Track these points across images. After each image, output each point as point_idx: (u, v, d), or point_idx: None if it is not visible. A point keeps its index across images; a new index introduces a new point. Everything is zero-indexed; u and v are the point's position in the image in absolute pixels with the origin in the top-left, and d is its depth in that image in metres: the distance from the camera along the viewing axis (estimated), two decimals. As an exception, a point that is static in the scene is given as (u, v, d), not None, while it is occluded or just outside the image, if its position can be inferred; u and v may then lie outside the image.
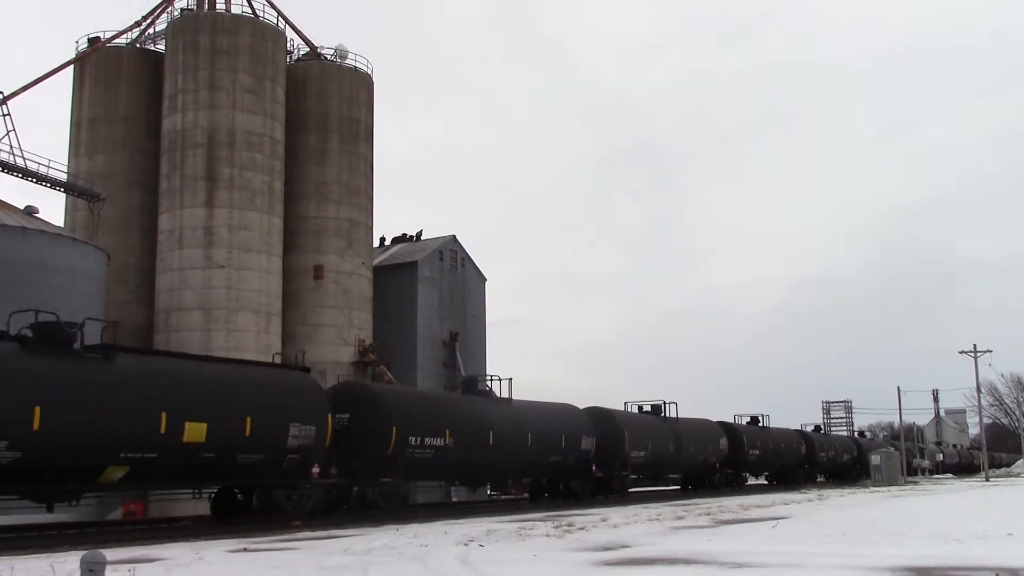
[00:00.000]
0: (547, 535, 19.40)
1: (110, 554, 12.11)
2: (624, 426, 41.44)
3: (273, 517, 24.94)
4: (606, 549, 16.21)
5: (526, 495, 43.52)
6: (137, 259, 46.43)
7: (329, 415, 26.99)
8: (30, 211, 39.12)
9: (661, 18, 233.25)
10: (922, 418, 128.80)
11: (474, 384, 36.95)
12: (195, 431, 22.62)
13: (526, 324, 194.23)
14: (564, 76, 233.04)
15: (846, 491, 48.81)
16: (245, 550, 16.92)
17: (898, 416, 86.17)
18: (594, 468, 39.08)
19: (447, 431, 31.00)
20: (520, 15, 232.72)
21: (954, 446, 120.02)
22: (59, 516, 25.84)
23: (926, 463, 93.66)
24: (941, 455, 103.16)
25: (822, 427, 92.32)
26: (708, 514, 26.67)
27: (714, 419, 52.98)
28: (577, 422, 39.05)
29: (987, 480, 69.73)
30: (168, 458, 22.37)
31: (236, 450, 24.11)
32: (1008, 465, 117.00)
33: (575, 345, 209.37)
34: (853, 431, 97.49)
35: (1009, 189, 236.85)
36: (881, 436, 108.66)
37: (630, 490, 43.50)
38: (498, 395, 36.21)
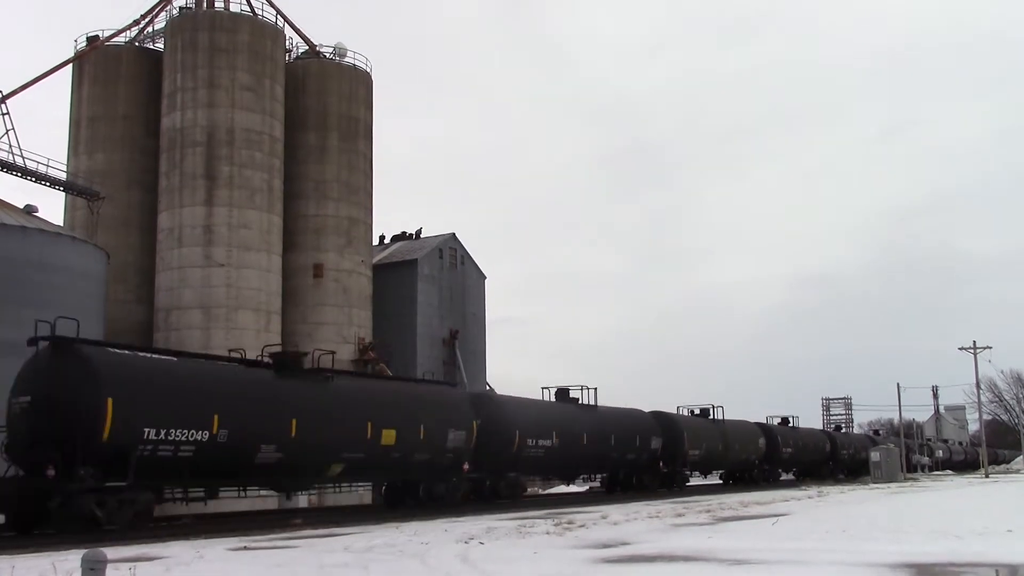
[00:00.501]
0: (547, 533, 19.42)
1: (111, 552, 12.10)
2: (684, 428, 47.13)
3: (437, 504, 30.83)
4: (606, 546, 16.22)
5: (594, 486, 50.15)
6: (137, 258, 46.40)
7: (474, 422, 33.16)
8: (29, 210, 39.08)
9: (661, 18, 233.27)
10: (922, 415, 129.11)
11: (567, 393, 41.20)
12: (389, 436, 29.02)
13: (526, 323, 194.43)
14: (564, 75, 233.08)
15: (846, 488, 48.85)
16: (246, 548, 16.93)
17: (898, 413, 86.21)
18: (661, 464, 44.98)
19: (554, 433, 37.10)
20: (520, 14, 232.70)
21: (953, 443, 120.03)
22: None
23: (926, 460, 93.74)
24: (940, 451, 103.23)
25: (842, 427, 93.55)
26: (708, 511, 26.70)
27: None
28: (646, 424, 44.83)
29: (987, 477, 69.82)
30: (371, 457, 28.67)
31: (414, 451, 30.29)
32: (1008, 462, 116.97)
33: (575, 344, 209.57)
34: (852, 427, 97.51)
35: (1008, 187, 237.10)
36: (870, 430, 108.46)
37: (687, 484, 49.09)
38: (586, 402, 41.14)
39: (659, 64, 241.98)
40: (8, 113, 43.40)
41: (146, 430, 22.07)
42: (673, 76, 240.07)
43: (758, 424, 58.84)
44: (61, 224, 45.63)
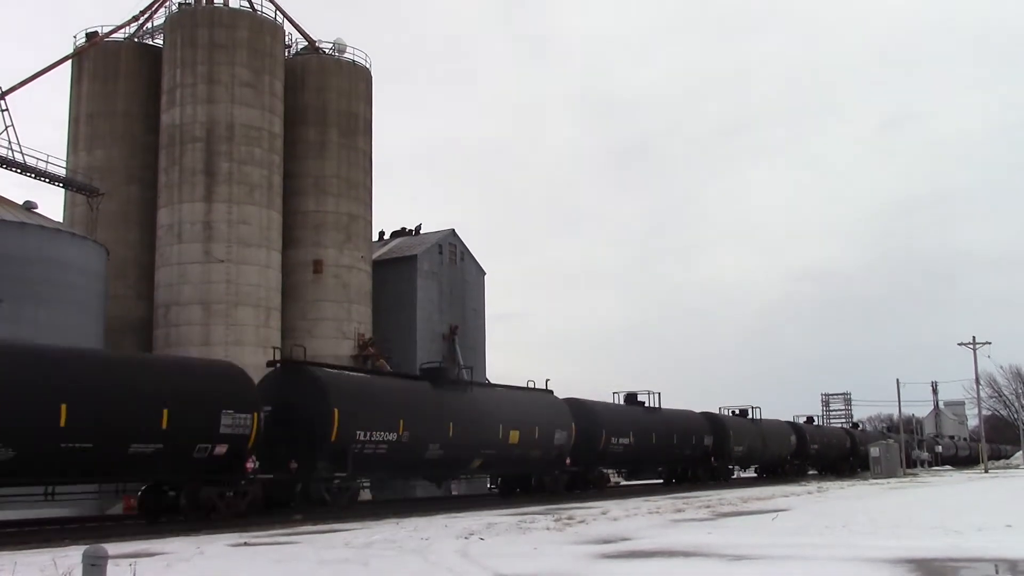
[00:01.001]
0: (547, 528, 19.44)
1: (111, 548, 12.12)
2: (730, 427, 51.10)
3: (544, 491, 35.38)
4: (606, 542, 16.24)
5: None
6: (136, 254, 46.42)
7: (573, 424, 37.07)
8: (29, 206, 39.11)
9: (660, 13, 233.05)
10: (921, 410, 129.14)
11: (635, 397, 44.95)
12: (514, 436, 33.50)
13: (526, 318, 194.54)
14: (563, 71, 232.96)
15: (845, 483, 48.95)
16: (246, 544, 16.96)
17: (897, 408, 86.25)
18: (712, 460, 49.15)
19: (631, 433, 41.32)
20: (519, 10, 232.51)
21: (952, 438, 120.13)
22: (60, 511, 25.93)
23: (925, 455, 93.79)
24: (940, 447, 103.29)
25: (859, 424, 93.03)
26: (708, 507, 26.72)
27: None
28: (700, 424, 48.84)
29: (986, 472, 69.87)
30: (501, 454, 33.05)
31: (531, 448, 34.39)
32: (1007, 457, 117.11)
33: (574, 339, 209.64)
34: (852, 423, 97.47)
35: (1008, 182, 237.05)
36: (879, 428, 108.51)
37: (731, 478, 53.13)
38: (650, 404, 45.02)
39: (658, 59, 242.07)
40: (7, 109, 43.51)
41: (358, 432, 26.85)
42: (672, 71, 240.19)
43: (789, 423, 63.01)
44: (61, 220, 45.65)
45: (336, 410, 26.34)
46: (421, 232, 61.06)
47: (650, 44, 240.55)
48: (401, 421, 28.46)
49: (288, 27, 51.02)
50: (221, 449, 23.76)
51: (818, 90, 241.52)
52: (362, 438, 27.18)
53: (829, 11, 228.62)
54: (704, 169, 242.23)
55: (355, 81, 52.16)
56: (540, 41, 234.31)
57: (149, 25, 50.34)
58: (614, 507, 26.80)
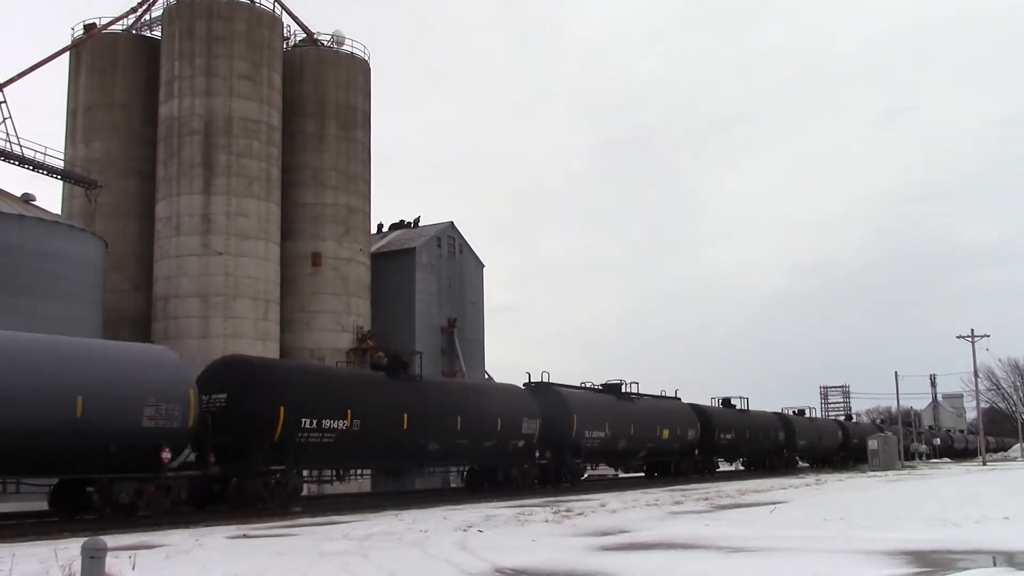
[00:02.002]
0: (546, 521, 19.48)
1: (111, 540, 12.14)
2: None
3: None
4: (604, 534, 16.28)
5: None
6: (135, 246, 46.38)
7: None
8: (27, 199, 39.05)
9: (660, 5, 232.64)
10: (920, 403, 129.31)
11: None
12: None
13: (525, 310, 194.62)
14: (562, 63, 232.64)
15: (843, 475, 49.05)
16: (245, 536, 16.98)
17: (896, 401, 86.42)
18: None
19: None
20: (519, 4, 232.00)
21: (950, 430, 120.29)
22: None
23: (923, 447, 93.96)
24: (938, 439, 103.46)
25: (852, 416, 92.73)
26: (706, 499, 26.78)
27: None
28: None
29: (984, 464, 70.00)
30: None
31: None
32: (1005, 449, 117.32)
33: (573, 331, 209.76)
34: (851, 416, 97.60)
35: (1008, 175, 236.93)
36: (871, 420, 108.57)
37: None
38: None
39: (658, 52, 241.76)
40: (5, 101, 43.43)
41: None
42: (672, 64, 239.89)
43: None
44: (59, 213, 45.58)
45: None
46: (420, 225, 61.01)
47: (649, 37, 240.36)
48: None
49: (286, 19, 50.97)
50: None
51: (817, 83, 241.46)
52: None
53: (828, 5, 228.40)
54: (703, 162, 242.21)
55: (353, 73, 52.07)
56: (539, 34, 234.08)
57: (147, 17, 50.23)
58: (612, 499, 26.86)
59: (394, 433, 28.96)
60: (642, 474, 50.03)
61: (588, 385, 43.25)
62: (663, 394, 49.55)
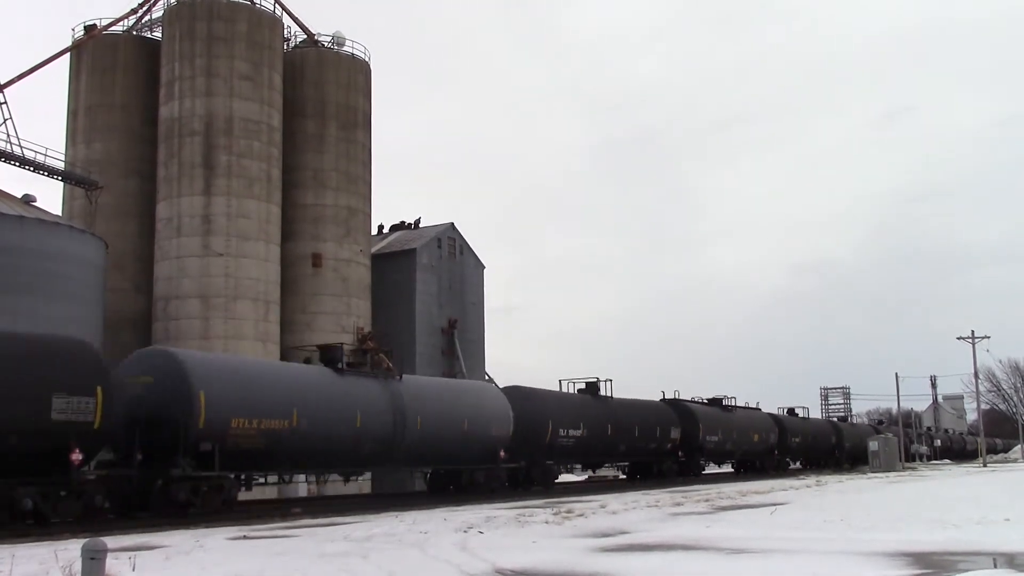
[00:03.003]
0: (546, 522, 19.47)
1: (111, 542, 12.15)
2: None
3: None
4: (605, 535, 16.27)
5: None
6: (135, 247, 46.36)
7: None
8: (28, 199, 39.05)
9: (660, 5, 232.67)
10: (920, 404, 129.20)
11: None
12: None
13: (525, 311, 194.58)
14: (562, 64, 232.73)
15: (844, 477, 49.01)
16: (245, 537, 16.98)
17: (896, 402, 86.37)
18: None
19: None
20: (519, 4, 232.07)
21: (949, 431, 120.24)
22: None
23: (924, 449, 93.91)
24: (939, 441, 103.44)
25: (847, 417, 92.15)
26: (707, 500, 26.76)
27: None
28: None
29: (984, 466, 69.96)
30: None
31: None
32: (1005, 451, 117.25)
33: (573, 332, 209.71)
34: (846, 417, 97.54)
35: (1008, 175, 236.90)
36: (870, 421, 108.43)
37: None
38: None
39: (658, 52, 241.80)
40: (6, 102, 43.39)
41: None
42: (672, 64, 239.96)
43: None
44: (59, 213, 45.57)
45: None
46: (420, 226, 61.00)
47: (649, 37, 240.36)
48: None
49: (287, 20, 50.95)
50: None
51: (817, 83, 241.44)
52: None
53: (828, 5, 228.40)
54: (703, 162, 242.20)
55: (354, 74, 52.06)
56: (539, 35, 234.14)
57: (148, 18, 50.17)
58: (612, 500, 26.87)
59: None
60: (623, 476, 48.90)
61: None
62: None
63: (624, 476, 50.65)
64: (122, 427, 22.10)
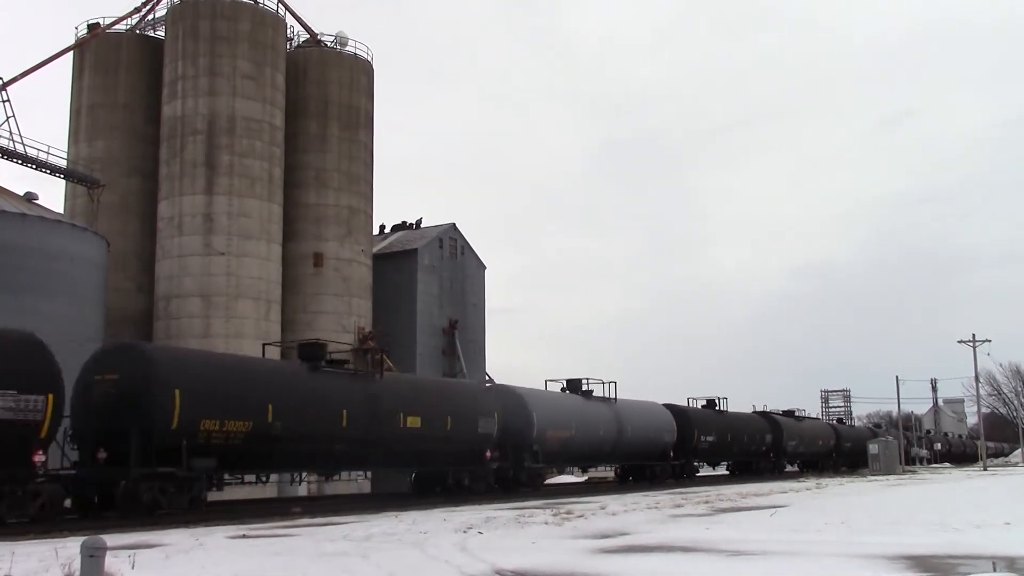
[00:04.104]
0: (546, 523, 19.46)
1: (111, 539, 12.12)
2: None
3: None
4: (604, 537, 16.25)
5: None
6: (137, 246, 46.37)
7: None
8: (30, 197, 39.05)
9: (662, 10, 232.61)
10: (921, 407, 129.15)
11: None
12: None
13: (526, 312, 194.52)
14: (565, 66, 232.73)
15: (844, 480, 48.93)
16: (244, 536, 16.97)
17: (897, 405, 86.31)
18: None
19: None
20: (522, 5, 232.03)
21: (948, 435, 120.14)
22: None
23: (924, 452, 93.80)
24: (939, 444, 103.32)
25: (844, 420, 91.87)
26: (706, 502, 26.75)
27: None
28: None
29: (985, 470, 69.88)
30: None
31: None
32: (1006, 455, 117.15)
33: (574, 333, 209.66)
34: (843, 420, 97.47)
35: (1008, 179, 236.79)
36: (869, 423, 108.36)
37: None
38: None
39: (660, 56, 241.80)
40: (9, 100, 43.37)
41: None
42: (673, 66, 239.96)
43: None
44: (61, 212, 45.61)
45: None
46: (422, 226, 61.02)
47: (651, 41, 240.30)
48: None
49: (290, 20, 50.98)
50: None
51: (818, 87, 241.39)
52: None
53: (829, 9, 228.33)
54: (704, 164, 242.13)
55: (356, 74, 52.07)
56: (542, 37, 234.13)
57: (151, 17, 50.20)
58: (612, 502, 26.86)
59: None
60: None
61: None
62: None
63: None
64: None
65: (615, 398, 42.99)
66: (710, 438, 49.18)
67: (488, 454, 33.29)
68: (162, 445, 22.30)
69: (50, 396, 20.09)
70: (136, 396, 22.21)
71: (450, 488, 32.07)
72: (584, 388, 42.00)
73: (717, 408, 52.95)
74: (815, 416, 69.91)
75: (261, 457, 25.29)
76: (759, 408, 61.51)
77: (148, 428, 22.04)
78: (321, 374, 27.75)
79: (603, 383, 42.79)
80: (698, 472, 51.33)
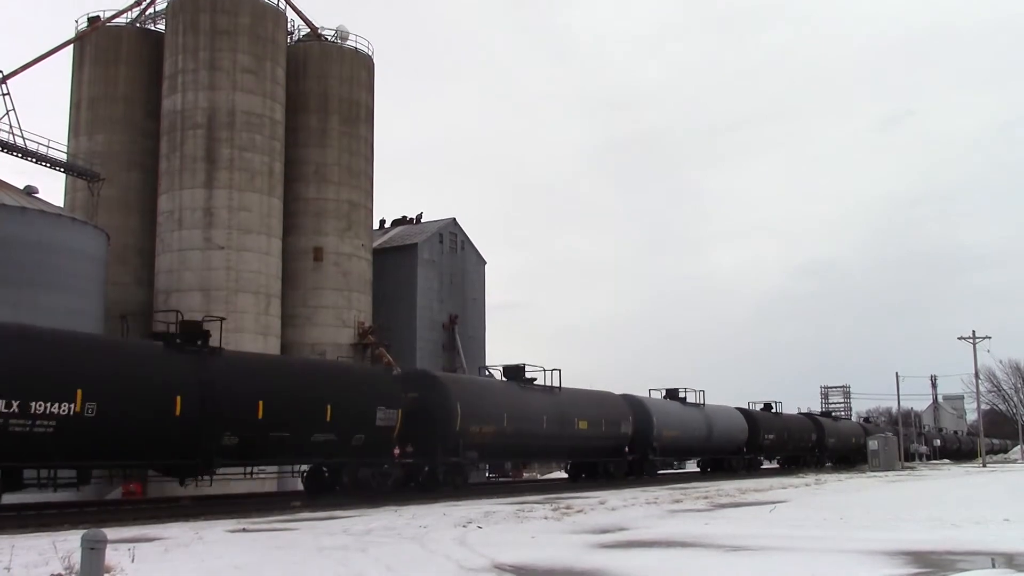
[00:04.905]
0: (545, 517, 19.49)
1: (110, 533, 12.12)
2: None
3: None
4: (604, 532, 16.27)
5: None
6: (137, 239, 46.35)
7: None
8: (30, 191, 39.05)
9: (664, 9, 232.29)
10: (920, 404, 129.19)
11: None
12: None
13: (526, 308, 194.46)
14: (567, 64, 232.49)
15: (843, 476, 48.97)
16: (244, 530, 16.98)
17: (896, 401, 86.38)
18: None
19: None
20: (524, 5, 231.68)
21: (942, 430, 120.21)
22: (61, 496, 25.95)
23: (924, 449, 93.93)
24: (938, 440, 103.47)
25: (831, 413, 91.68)
26: (706, 498, 26.80)
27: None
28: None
29: (984, 466, 69.98)
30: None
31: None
32: (1005, 451, 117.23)
33: (574, 329, 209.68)
34: (850, 415, 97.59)
35: (1008, 178, 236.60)
36: (860, 417, 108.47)
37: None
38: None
39: (662, 55, 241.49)
40: (9, 94, 43.34)
41: None
42: (675, 67, 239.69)
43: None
44: (61, 205, 45.57)
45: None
46: (422, 221, 61.03)
47: (653, 40, 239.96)
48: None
49: (290, 14, 50.83)
50: None
51: (820, 86, 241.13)
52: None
53: (830, 9, 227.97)
54: (705, 163, 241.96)
55: (357, 68, 52.00)
56: (544, 33, 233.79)
57: (151, 10, 50.15)
58: (612, 497, 26.89)
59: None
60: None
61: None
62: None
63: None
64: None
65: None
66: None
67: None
68: (451, 439, 29.30)
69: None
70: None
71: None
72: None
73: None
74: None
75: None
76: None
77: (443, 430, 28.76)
78: (526, 390, 35.40)
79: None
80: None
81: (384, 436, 28.86)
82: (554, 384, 37.93)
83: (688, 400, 49.52)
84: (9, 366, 19.53)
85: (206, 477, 24.67)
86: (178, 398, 22.86)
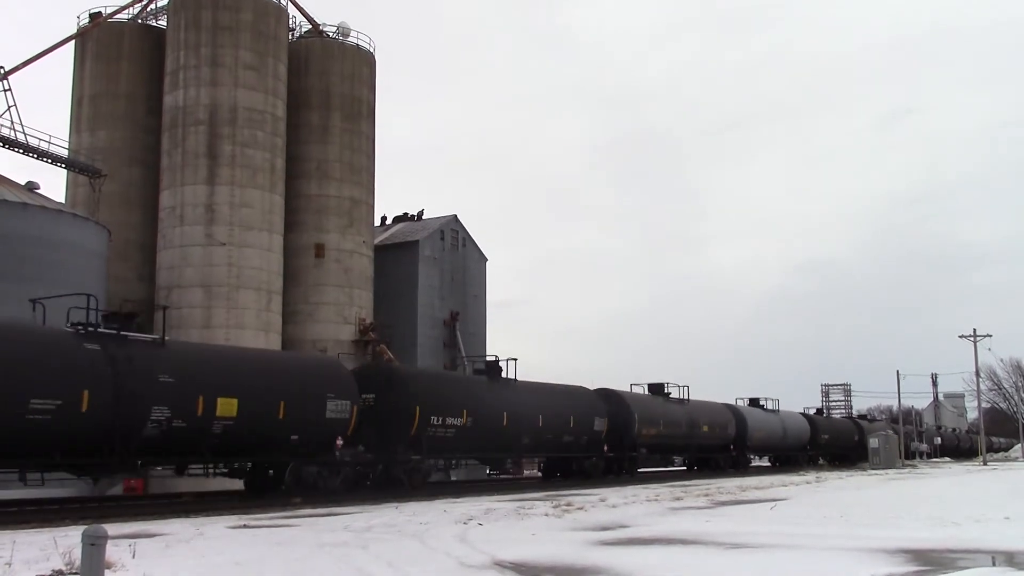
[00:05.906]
0: (546, 514, 19.50)
1: (111, 529, 12.13)
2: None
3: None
4: (604, 529, 16.28)
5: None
6: (138, 235, 46.39)
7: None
8: (31, 187, 39.04)
9: (665, 8, 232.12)
10: (921, 402, 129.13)
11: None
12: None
13: (527, 305, 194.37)
14: (568, 61, 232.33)
15: (844, 474, 49.00)
16: (245, 526, 16.99)
17: (897, 400, 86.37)
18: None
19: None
20: (526, 2, 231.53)
21: (941, 428, 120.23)
22: (61, 491, 26.00)
23: (924, 447, 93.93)
24: (939, 438, 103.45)
25: (823, 410, 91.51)
26: (706, 495, 26.81)
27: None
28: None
29: (985, 464, 70.00)
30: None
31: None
32: (1006, 450, 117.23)
33: (575, 327, 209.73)
34: (851, 414, 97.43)
35: (1009, 175, 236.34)
36: (856, 415, 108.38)
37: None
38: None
39: (663, 52, 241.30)
40: (10, 90, 43.35)
41: None
42: (676, 64, 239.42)
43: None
44: (63, 201, 45.58)
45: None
46: (423, 218, 61.06)
47: (654, 38, 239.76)
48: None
49: (292, 10, 50.85)
50: None
51: (821, 84, 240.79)
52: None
53: (830, 8, 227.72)
54: (707, 161, 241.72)
55: (358, 65, 52.00)
56: (545, 31, 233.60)
57: (153, 6, 50.11)
58: (612, 494, 26.90)
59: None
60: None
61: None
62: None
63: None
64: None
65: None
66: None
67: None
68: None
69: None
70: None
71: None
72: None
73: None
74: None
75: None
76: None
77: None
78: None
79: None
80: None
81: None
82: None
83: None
84: None
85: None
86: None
